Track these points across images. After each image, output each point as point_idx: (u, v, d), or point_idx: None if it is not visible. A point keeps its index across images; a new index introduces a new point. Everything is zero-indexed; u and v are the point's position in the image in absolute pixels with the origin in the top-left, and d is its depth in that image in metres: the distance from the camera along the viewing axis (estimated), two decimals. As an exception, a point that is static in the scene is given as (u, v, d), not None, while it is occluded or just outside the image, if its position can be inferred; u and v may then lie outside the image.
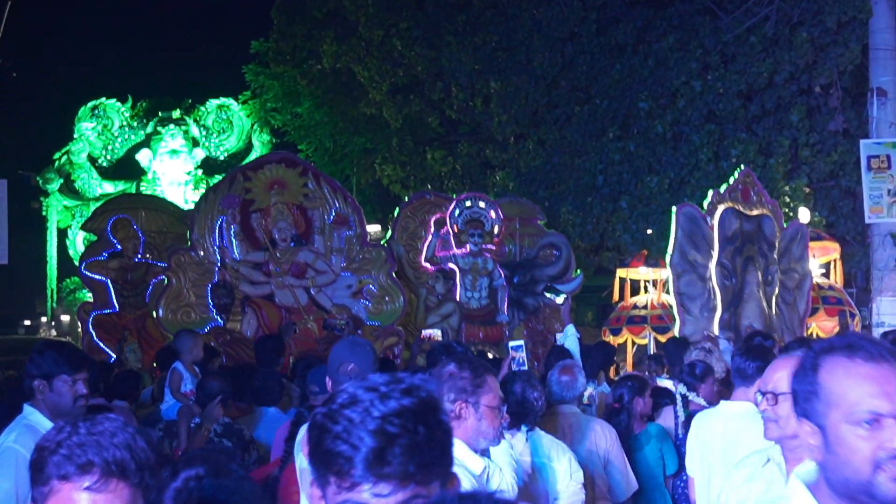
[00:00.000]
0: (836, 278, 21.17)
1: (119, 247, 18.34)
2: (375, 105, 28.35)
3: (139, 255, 18.40)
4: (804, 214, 20.28)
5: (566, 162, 23.98)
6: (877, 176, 21.23)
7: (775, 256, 16.56)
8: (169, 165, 34.20)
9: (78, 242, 33.77)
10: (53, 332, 37.77)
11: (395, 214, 18.14)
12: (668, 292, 18.34)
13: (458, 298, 17.43)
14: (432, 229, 17.80)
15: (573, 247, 23.43)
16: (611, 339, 22.58)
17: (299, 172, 17.03)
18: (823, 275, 20.89)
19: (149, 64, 40.00)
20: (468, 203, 17.62)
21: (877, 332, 21.18)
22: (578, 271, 18.61)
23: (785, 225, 17.59)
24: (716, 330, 15.85)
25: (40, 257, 37.01)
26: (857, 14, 21.95)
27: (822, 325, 19.47)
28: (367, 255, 17.00)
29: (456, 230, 17.41)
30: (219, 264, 16.36)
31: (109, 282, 18.06)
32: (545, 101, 24.98)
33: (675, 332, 16.39)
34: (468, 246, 17.41)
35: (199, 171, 34.34)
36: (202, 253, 16.42)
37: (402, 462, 2.70)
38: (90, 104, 34.57)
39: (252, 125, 34.91)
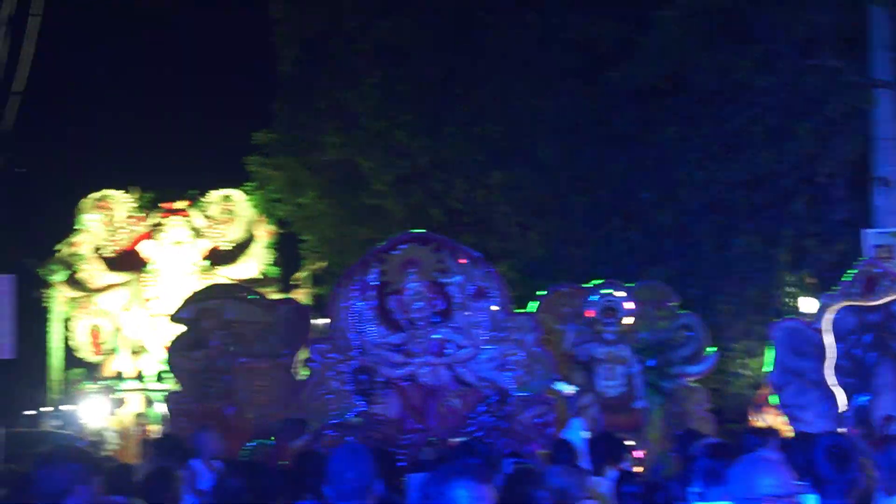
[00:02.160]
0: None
1: (205, 337, 18.17)
2: (378, 196, 28.36)
3: (225, 346, 18.20)
4: (810, 305, 20.14)
5: (569, 253, 23.92)
6: (881, 266, 21.13)
7: None
8: (172, 256, 34.15)
9: (81, 334, 33.66)
10: (59, 422, 37.50)
11: (536, 309, 17.76)
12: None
13: (596, 388, 17.24)
14: (568, 321, 17.67)
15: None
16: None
17: (433, 249, 16.84)
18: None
19: (152, 155, 40.11)
20: (600, 293, 17.50)
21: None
22: (712, 349, 18.30)
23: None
24: (838, 428, 15.64)
25: (41, 348, 36.88)
26: (859, 104, 21.97)
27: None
28: (512, 325, 16.55)
29: (591, 317, 17.31)
30: (358, 350, 16.21)
31: (194, 372, 17.90)
32: (548, 192, 24.97)
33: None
34: (604, 335, 17.26)
35: (207, 262, 34.30)
36: (340, 340, 16.29)
37: None
38: (94, 195, 34.56)
39: (256, 216, 34.89)
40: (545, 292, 18.68)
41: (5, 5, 12.35)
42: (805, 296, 21.21)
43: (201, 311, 18.15)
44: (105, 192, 34.87)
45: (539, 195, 24.94)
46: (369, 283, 16.47)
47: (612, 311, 17.33)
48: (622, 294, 17.51)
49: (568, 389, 17.77)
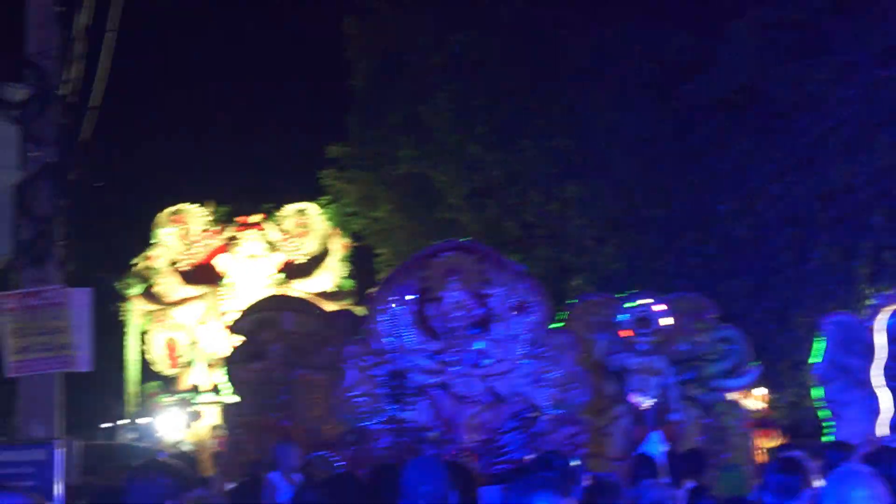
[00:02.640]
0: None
1: (264, 349, 18.27)
2: (452, 209, 28.44)
3: (284, 358, 18.28)
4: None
5: (645, 265, 23.89)
6: (960, 278, 21.01)
7: None
8: (248, 269, 34.37)
9: (157, 347, 33.96)
10: (130, 436, 37.84)
11: (566, 317, 17.59)
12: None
13: (629, 400, 17.02)
14: (599, 331, 17.42)
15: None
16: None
17: (477, 259, 16.73)
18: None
19: (228, 169, 40.36)
20: (633, 303, 17.34)
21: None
22: (755, 363, 18.14)
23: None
24: (880, 432, 15.62)
25: (118, 361, 37.22)
26: (935, 115, 21.87)
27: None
28: (551, 341, 16.44)
29: (624, 332, 17.15)
30: (393, 354, 16.20)
31: (253, 384, 17.99)
32: (623, 205, 24.95)
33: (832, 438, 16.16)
34: (637, 346, 17.07)
35: (282, 275, 34.49)
36: (375, 344, 16.28)
37: None
38: (170, 209, 34.87)
39: (331, 229, 35.05)
40: (575, 301, 18.67)
41: (81, 18, 12.55)
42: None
43: (260, 323, 18.25)
44: (180, 206, 35.16)
45: (614, 208, 24.93)
46: (410, 288, 16.50)
47: (646, 321, 17.07)
48: (658, 305, 17.31)
49: (646, 402, 17.72)
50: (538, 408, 15.99)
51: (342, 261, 32.49)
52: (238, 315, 19.10)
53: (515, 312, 16.23)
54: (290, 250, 35.00)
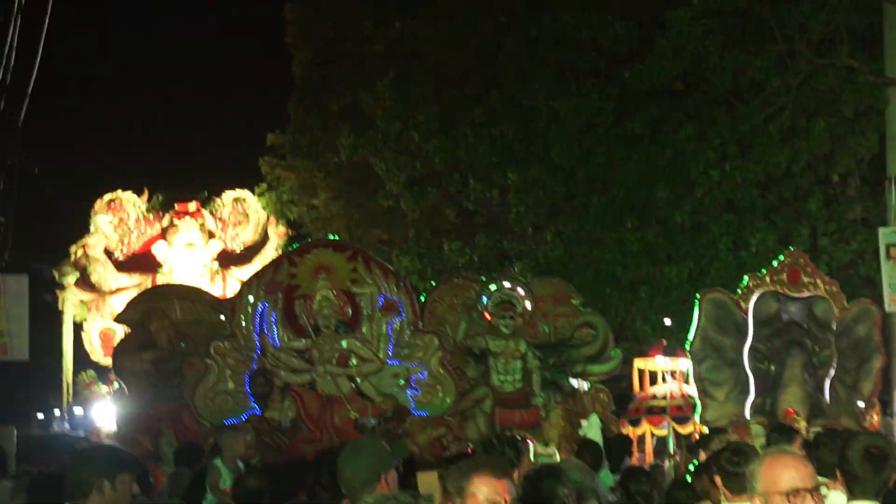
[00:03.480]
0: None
1: (154, 339, 18.13)
2: (392, 197, 28.42)
3: (174, 347, 18.16)
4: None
5: (584, 252, 23.96)
6: (897, 264, 21.21)
7: (831, 338, 16.40)
8: (185, 258, 34.20)
9: (93, 336, 33.73)
10: (67, 426, 37.56)
11: (423, 299, 17.75)
12: (687, 382, 18.23)
13: (491, 382, 16.97)
14: (462, 312, 17.42)
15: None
16: (630, 430, 22.44)
17: (348, 257, 16.73)
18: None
19: (164, 157, 40.21)
20: (496, 286, 17.25)
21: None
22: (617, 351, 18.25)
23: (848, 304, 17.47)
24: (747, 414, 15.76)
25: (53, 350, 36.94)
26: (873, 103, 22.07)
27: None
28: (418, 343, 16.56)
29: (487, 314, 17.05)
30: (258, 352, 16.07)
31: (144, 375, 17.83)
32: (563, 192, 25.02)
33: (697, 419, 16.31)
34: (500, 328, 16.99)
35: (216, 264, 34.32)
36: (242, 340, 16.15)
37: None
38: (106, 197, 34.63)
39: (268, 217, 34.92)
40: (434, 283, 18.72)
41: (14, 3, 12.40)
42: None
43: (148, 312, 18.09)
44: (117, 193, 34.91)
45: (554, 195, 24.96)
46: (278, 285, 16.40)
47: (508, 304, 17.11)
48: (519, 288, 17.34)
49: (582, 385, 17.81)
50: (404, 408, 16.03)
51: (280, 249, 32.30)
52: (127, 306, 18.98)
53: (384, 312, 16.29)
54: (227, 239, 34.88)
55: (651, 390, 22.90)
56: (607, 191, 24.17)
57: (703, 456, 12.05)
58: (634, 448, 19.89)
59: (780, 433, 11.12)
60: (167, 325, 18.07)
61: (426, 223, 29.21)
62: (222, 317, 17.52)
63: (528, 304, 17.12)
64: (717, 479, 7.48)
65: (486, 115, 26.02)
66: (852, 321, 17.08)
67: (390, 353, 16.47)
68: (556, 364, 17.46)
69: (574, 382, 17.74)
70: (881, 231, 21.58)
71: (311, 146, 31.07)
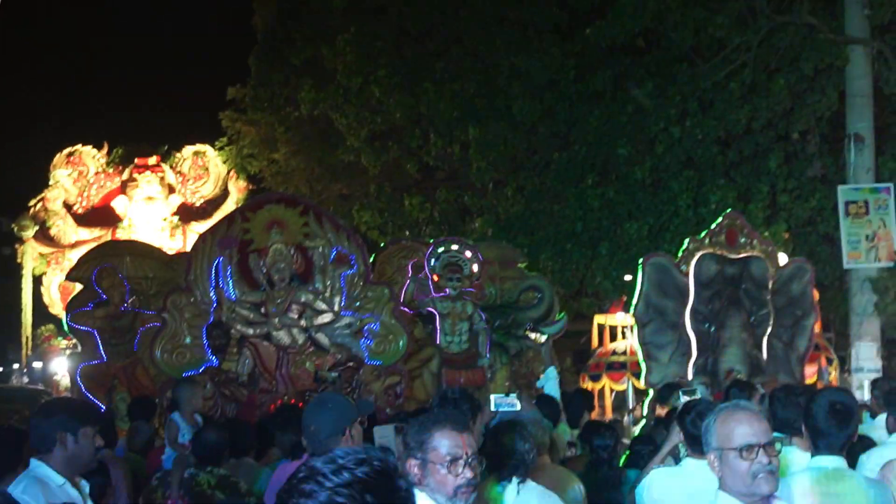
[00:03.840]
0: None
1: (105, 296, 18.09)
2: (353, 152, 28.36)
3: (126, 303, 18.16)
4: (782, 260, 20.35)
5: (545, 208, 24.03)
6: (855, 221, 21.39)
7: (768, 297, 16.54)
8: (145, 212, 34.07)
9: (53, 290, 33.63)
10: (25, 380, 37.45)
11: (371, 260, 17.92)
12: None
13: (437, 343, 17.12)
14: (410, 274, 17.53)
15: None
16: (590, 384, 22.66)
17: (300, 211, 16.75)
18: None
19: (125, 110, 39.91)
20: (443, 248, 17.36)
21: (856, 377, 21.31)
22: (562, 314, 18.39)
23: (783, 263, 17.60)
24: (689, 375, 15.91)
25: (13, 304, 36.81)
26: (833, 61, 22.17)
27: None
28: (370, 294, 16.70)
29: (435, 276, 17.18)
30: (215, 305, 16.21)
31: (96, 331, 17.82)
32: (524, 148, 25.06)
33: (642, 380, 16.46)
34: (447, 290, 17.10)
35: (176, 218, 34.22)
36: (198, 294, 16.27)
37: None
38: (66, 151, 34.45)
39: (228, 171, 34.81)
40: (384, 245, 18.89)
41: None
42: (780, 251, 21.40)
43: (100, 269, 18.11)
44: (77, 147, 34.72)
45: (515, 151, 25.00)
46: (232, 239, 16.53)
47: (455, 266, 17.26)
48: (467, 250, 17.46)
49: (541, 337, 17.96)
50: (359, 358, 16.25)
51: (240, 203, 32.18)
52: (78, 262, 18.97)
53: (336, 265, 16.50)
54: (187, 193, 34.79)
55: (611, 346, 23.13)
56: (568, 147, 24.20)
57: (660, 411, 12.24)
58: (596, 403, 20.11)
59: (740, 389, 11.23)
60: (119, 282, 18.07)
61: (387, 178, 29.22)
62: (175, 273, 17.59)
63: (475, 267, 17.27)
64: (681, 435, 7.59)
65: (448, 71, 26.01)
66: (788, 279, 17.22)
67: (343, 305, 16.61)
68: (502, 326, 17.67)
69: (531, 338, 17.95)
70: (840, 188, 21.77)
71: (272, 100, 30.98)
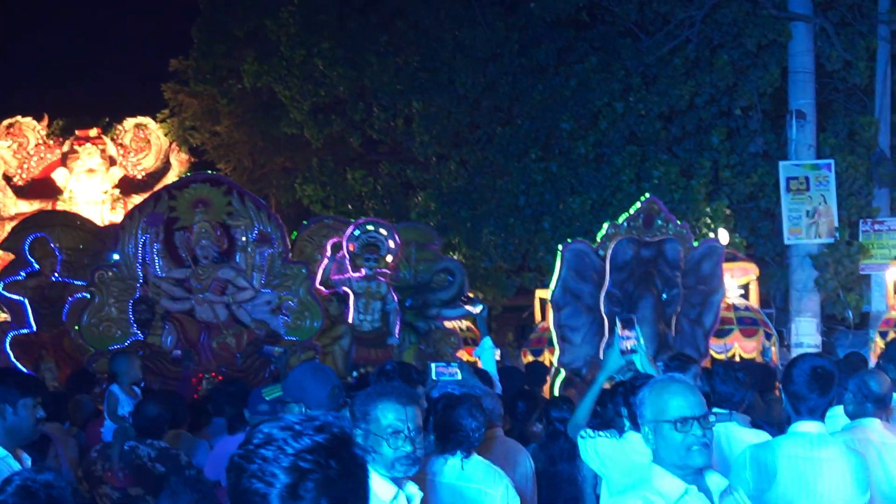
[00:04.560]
0: (754, 299, 21.32)
1: (37, 266, 18.01)
2: (296, 125, 28.20)
3: (57, 274, 18.13)
4: (724, 236, 20.39)
5: (488, 182, 24.03)
6: (796, 197, 21.48)
7: (678, 276, 16.58)
8: (86, 184, 33.75)
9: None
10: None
11: (294, 237, 18.20)
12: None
13: (350, 321, 17.56)
14: (328, 253, 17.99)
15: (495, 267, 23.53)
16: (531, 359, 22.63)
17: (224, 191, 17.35)
18: (742, 295, 20.99)
19: (65, 81, 39.45)
20: (369, 227, 17.76)
21: (795, 352, 21.39)
22: (482, 305, 18.56)
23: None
24: (601, 354, 15.97)
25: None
26: (776, 37, 22.23)
27: (743, 346, 19.56)
28: (289, 272, 17.27)
29: (352, 250, 17.58)
30: (141, 280, 16.53)
31: (27, 301, 17.75)
32: (467, 122, 25.02)
33: (554, 360, 16.54)
34: (363, 270, 17.56)
35: (117, 191, 33.93)
36: (125, 269, 16.58)
37: (315, 497, 2.79)
38: (5, 122, 34.07)
39: (170, 144, 34.54)
40: (305, 223, 19.19)
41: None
42: (721, 226, 21.46)
43: (31, 240, 18.15)
44: (16, 118, 34.33)
45: (458, 125, 24.96)
46: (159, 217, 16.91)
47: (374, 247, 17.67)
48: (385, 231, 17.81)
49: (477, 308, 18.08)
50: (277, 334, 16.71)
51: (182, 176, 31.94)
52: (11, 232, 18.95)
53: (258, 243, 17.03)
54: (128, 165, 34.46)
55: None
56: (511, 121, 24.21)
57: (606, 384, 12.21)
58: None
59: (681, 362, 11.21)
60: (51, 252, 18.08)
61: (330, 151, 29.10)
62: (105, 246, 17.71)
63: (391, 246, 17.61)
64: (626, 410, 7.56)
65: (391, 44, 25.94)
66: (699, 259, 17.29)
67: (263, 282, 17.32)
68: (413, 306, 18.15)
69: (466, 309, 18.27)
70: (782, 164, 21.85)
71: (215, 72, 30.76)
